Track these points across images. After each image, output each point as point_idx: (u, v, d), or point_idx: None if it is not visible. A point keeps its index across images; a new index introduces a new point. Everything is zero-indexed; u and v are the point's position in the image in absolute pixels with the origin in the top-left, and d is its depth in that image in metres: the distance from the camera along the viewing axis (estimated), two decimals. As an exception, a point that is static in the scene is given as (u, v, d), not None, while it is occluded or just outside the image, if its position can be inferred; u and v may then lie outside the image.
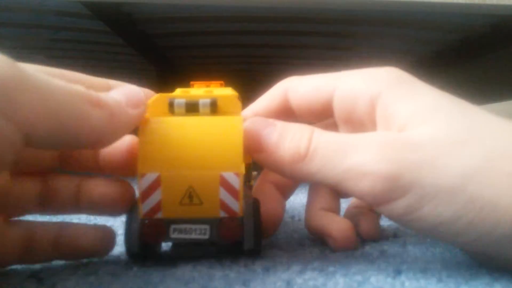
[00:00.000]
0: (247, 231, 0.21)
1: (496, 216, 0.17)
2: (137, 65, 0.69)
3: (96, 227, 0.22)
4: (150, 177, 0.20)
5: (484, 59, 0.57)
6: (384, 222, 0.30)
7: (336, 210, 0.26)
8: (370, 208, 0.28)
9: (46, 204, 0.22)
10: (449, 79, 0.69)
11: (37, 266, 0.21)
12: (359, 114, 0.22)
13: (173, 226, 0.21)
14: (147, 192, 0.20)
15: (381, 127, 0.21)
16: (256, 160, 0.21)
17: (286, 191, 0.27)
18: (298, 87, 0.23)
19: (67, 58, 0.63)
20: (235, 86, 0.24)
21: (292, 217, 0.34)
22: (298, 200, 0.41)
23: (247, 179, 0.25)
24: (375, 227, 0.27)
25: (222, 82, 0.24)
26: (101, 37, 0.52)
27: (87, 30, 0.48)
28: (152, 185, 0.20)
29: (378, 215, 0.29)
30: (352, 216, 0.28)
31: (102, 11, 0.42)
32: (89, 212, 0.23)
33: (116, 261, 0.22)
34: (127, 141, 0.22)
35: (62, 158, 0.22)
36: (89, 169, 0.22)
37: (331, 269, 0.21)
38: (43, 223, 0.22)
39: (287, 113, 0.24)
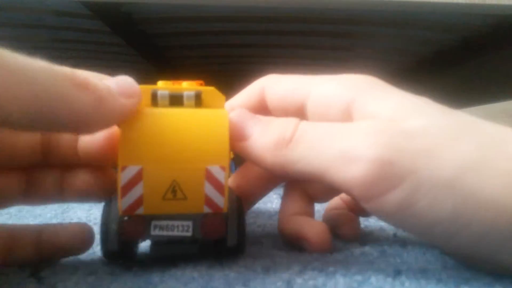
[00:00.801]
0: (231, 228, 0.21)
1: (495, 215, 0.16)
2: (137, 65, 0.69)
3: (74, 225, 0.22)
4: (132, 170, 0.19)
5: (484, 59, 0.56)
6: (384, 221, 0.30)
7: (310, 214, 0.26)
8: (349, 209, 0.28)
9: (31, 194, 0.22)
10: (449, 79, 0.69)
11: (37, 266, 0.21)
12: (332, 120, 0.21)
13: (154, 223, 0.20)
14: (128, 187, 0.19)
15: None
16: (237, 150, 0.21)
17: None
18: (275, 86, 0.23)
19: (67, 58, 0.63)
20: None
21: (292, 217, 0.34)
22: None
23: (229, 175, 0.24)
24: (356, 228, 0.27)
25: (202, 81, 0.23)
26: (101, 37, 0.52)
27: (87, 30, 0.48)
28: (134, 179, 0.19)
29: (357, 216, 0.28)
30: (331, 219, 0.28)
31: (102, 11, 0.42)
32: (74, 200, 0.23)
33: (116, 261, 0.22)
34: (107, 131, 0.21)
35: (43, 150, 0.22)
36: (68, 160, 0.22)
37: (331, 269, 0.20)
38: (23, 226, 0.22)
39: (263, 110, 0.23)
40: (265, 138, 0.20)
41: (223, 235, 0.20)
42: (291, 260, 0.22)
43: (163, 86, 0.21)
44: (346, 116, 0.20)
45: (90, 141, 0.21)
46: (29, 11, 0.43)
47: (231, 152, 0.25)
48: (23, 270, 0.21)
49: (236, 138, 0.20)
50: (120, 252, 0.20)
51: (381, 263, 0.22)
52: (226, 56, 0.66)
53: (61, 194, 0.22)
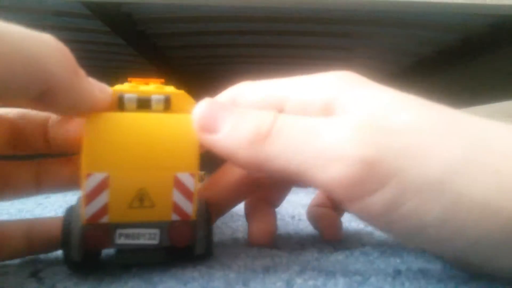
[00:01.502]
0: (200, 235, 0.20)
1: (488, 218, 0.15)
2: (137, 65, 0.69)
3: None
4: (97, 177, 0.18)
5: (484, 59, 0.56)
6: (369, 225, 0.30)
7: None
8: (331, 206, 0.27)
9: (5, 189, 0.21)
10: (449, 79, 0.69)
11: (37, 266, 0.21)
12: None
13: (119, 231, 0.19)
14: (93, 194, 0.18)
15: None
16: (207, 144, 0.19)
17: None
18: (247, 95, 0.21)
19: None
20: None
21: (292, 217, 0.34)
22: (298, 200, 0.41)
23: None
24: (337, 227, 0.26)
25: (162, 80, 0.22)
26: (101, 37, 0.52)
27: (87, 30, 0.48)
28: (99, 187, 0.18)
29: (339, 214, 0.28)
30: (312, 216, 0.28)
31: (102, 11, 0.42)
32: (51, 192, 0.23)
33: (116, 261, 0.22)
34: (76, 120, 0.21)
35: (12, 142, 0.21)
36: (39, 150, 0.22)
37: (331, 269, 0.20)
38: (12, 221, 0.22)
39: None
40: (239, 132, 0.18)
41: (191, 243, 0.20)
42: (291, 260, 0.22)
43: (130, 89, 0.20)
44: (327, 115, 0.19)
45: (60, 130, 0.21)
46: (29, 11, 0.43)
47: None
48: (23, 270, 0.21)
49: (204, 130, 0.19)
50: (83, 262, 0.19)
51: (381, 263, 0.22)
52: (226, 56, 0.66)
53: (37, 187, 0.22)
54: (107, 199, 0.18)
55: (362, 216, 0.17)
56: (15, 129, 0.21)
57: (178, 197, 0.19)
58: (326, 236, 0.26)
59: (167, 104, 0.20)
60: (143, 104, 0.20)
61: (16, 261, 0.22)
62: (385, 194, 0.15)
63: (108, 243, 0.19)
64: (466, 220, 0.15)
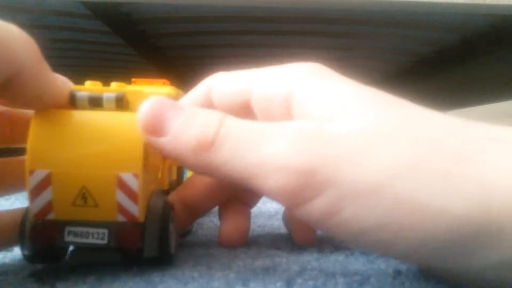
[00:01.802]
0: (149, 238, 0.20)
1: (430, 221, 0.15)
2: (137, 65, 0.69)
3: None
4: (40, 174, 0.18)
5: (484, 59, 0.57)
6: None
7: None
8: None
9: (1, 185, 0.22)
10: (449, 79, 0.69)
11: (37, 266, 0.21)
12: (276, 116, 0.19)
13: (68, 229, 0.19)
14: (36, 191, 0.18)
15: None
16: (154, 146, 0.19)
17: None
18: (220, 86, 0.22)
19: (67, 58, 0.63)
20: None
21: (292, 217, 0.34)
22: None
23: (179, 182, 0.22)
24: (308, 232, 0.25)
25: (165, 80, 0.22)
26: (101, 37, 0.52)
27: (87, 30, 0.48)
28: (42, 183, 0.18)
29: None
30: (287, 219, 0.27)
31: (102, 11, 0.42)
32: None
33: (116, 261, 0.22)
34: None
35: (2, 133, 0.21)
36: (5, 142, 0.22)
37: (331, 269, 0.21)
38: (7, 210, 0.22)
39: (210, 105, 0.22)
40: (186, 136, 0.18)
41: (139, 245, 0.19)
42: (291, 260, 0.22)
43: (84, 87, 0.20)
44: (287, 111, 0.19)
45: (26, 122, 0.21)
46: (29, 11, 0.43)
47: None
48: (23, 270, 0.21)
49: (149, 132, 0.18)
50: (37, 256, 0.19)
51: (381, 263, 0.22)
52: (226, 56, 0.66)
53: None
54: (50, 196, 0.18)
55: (305, 220, 0.17)
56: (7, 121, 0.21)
57: (122, 198, 0.19)
58: (297, 240, 0.25)
59: (119, 102, 0.19)
60: (95, 102, 0.19)
61: (16, 261, 0.22)
62: (321, 202, 0.16)
63: (57, 240, 0.19)
64: (407, 223, 0.15)
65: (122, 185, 0.19)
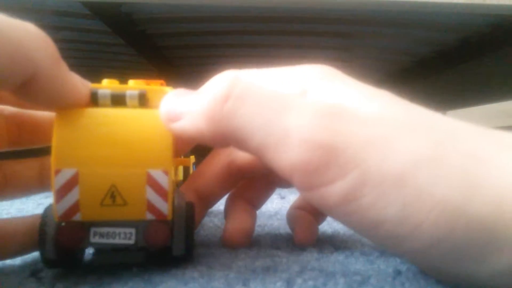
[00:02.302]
0: (177, 236, 0.19)
1: (450, 218, 0.14)
2: (137, 65, 0.69)
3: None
4: (66, 173, 0.18)
5: (484, 59, 0.56)
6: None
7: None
8: (310, 211, 0.27)
9: (9, 186, 0.21)
10: (449, 79, 0.69)
11: (37, 266, 0.21)
12: None
13: (93, 230, 0.19)
14: (63, 191, 0.18)
15: None
16: (177, 134, 0.18)
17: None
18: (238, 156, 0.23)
19: (67, 58, 0.63)
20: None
21: (292, 217, 0.34)
22: (298, 200, 0.41)
23: (176, 184, 0.23)
24: (310, 232, 0.25)
25: (162, 81, 0.22)
26: (101, 37, 0.52)
27: (87, 30, 0.48)
28: (69, 183, 0.18)
29: (317, 219, 0.27)
30: (290, 219, 0.28)
31: (102, 11, 0.42)
32: None
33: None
34: (48, 113, 0.21)
35: (9, 136, 0.21)
36: (38, 142, 0.22)
37: (331, 269, 0.21)
38: (16, 218, 0.22)
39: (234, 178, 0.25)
40: (199, 103, 0.17)
41: (168, 244, 0.19)
42: (291, 260, 0.22)
43: (105, 85, 0.20)
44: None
45: (34, 125, 0.21)
46: (29, 11, 0.43)
47: (192, 156, 0.24)
48: (23, 270, 0.21)
49: (170, 121, 0.18)
50: (59, 260, 0.19)
51: (381, 263, 0.22)
52: (226, 56, 0.66)
53: (41, 184, 0.22)
54: (77, 196, 0.18)
55: (319, 205, 0.16)
56: (9, 121, 0.21)
57: (151, 195, 0.18)
58: (297, 239, 0.25)
59: (142, 100, 0.19)
60: (118, 99, 0.19)
61: (16, 261, 0.22)
62: (343, 185, 0.15)
63: (83, 242, 0.19)
64: (426, 218, 0.15)
65: (152, 182, 0.18)
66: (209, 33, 0.52)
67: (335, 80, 0.19)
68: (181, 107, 0.18)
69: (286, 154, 0.15)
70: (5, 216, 0.33)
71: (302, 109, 0.16)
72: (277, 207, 0.38)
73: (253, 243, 0.26)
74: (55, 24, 0.47)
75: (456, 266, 0.15)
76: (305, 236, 0.25)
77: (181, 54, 0.63)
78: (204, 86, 0.18)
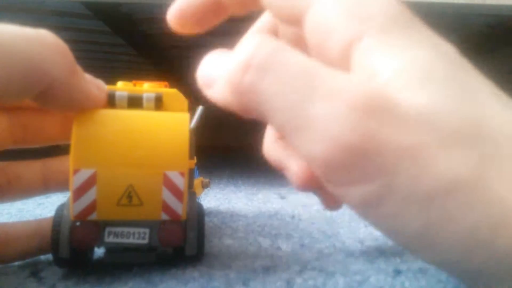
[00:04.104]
0: (190, 236, 0.20)
1: (468, 248, 0.13)
2: (137, 65, 0.69)
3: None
4: (85, 173, 0.18)
5: (484, 59, 0.56)
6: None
7: None
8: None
9: (13, 188, 0.21)
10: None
11: (37, 266, 0.21)
12: (330, 55, 0.16)
13: (108, 229, 0.19)
14: (81, 190, 0.18)
15: (358, 75, 0.15)
16: (216, 100, 0.16)
17: None
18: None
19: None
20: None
21: (292, 217, 0.34)
22: (298, 200, 0.41)
23: (190, 185, 0.23)
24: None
25: (166, 83, 0.22)
26: (101, 37, 0.52)
27: (87, 30, 0.48)
28: (87, 183, 0.18)
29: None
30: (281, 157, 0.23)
31: (102, 11, 0.42)
32: (59, 190, 0.22)
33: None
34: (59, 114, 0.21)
35: (12, 137, 0.21)
36: (42, 142, 0.22)
37: (330, 269, 0.21)
38: (21, 222, 0.22)
39: (253, 2, 0.19)
40: (225, 70, 0.15)
41: (181, 244, 0.20)
42: (291, 260, 0.22)
43: (122, 87, 0.20)
44: (345, 57, 0.15)
45: (38, 124, 0.21)
46: (29, 11, 0.43)
47: (195, 158, 0.24)
48: (23, 270, 0.21)
49: (205, 87, 0.16)
50: (72, 259, 0.19)
51: (381, 263, 0.22)
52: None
53: (45, 185, 0.22)
54: (95, 195, 0.18)
55: (339, 198, 0.15)
56: (13, 123, 0.21)
57: (167, 196, 0.19)
58: (326, 204, 0.22)
59: (158, 103, 0.20)
60: (134, 102, 0.19)
61: (16, 261, 0.22)
62: (366, 189, 0.13)
63: (98, 241, 0.19)
64: (446, 242, 0.13)
65: (169, 183, 0.19)
66: (209, 33, 0.52)
67: (398, 33, 0.15)
68: (213, 72, 0.16)
69: (308, 145, 0.14)
70: (5, 216, 0.34)
71: (333, 96, 0.13)
72: (277, 207, 0.38)
73: (253, 243, 0.26)
74: (55, 24, 0.47)
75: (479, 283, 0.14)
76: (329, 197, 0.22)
77: (181, 54, 0.63)
78: (238, 45, 0.15)
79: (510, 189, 0.13)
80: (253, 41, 0.14)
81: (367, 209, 0.14)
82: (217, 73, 0.16)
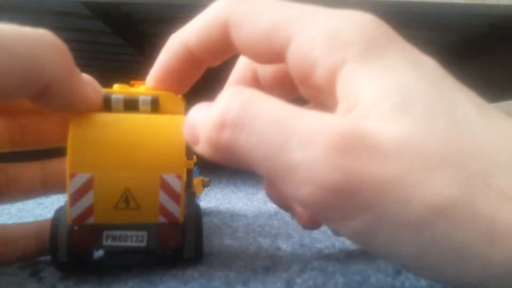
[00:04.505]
0: (188, 239, 0.20)
1: (463, 265, 0.13)
2: (137, 65, 0.69)
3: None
4: (81, 178, 0.18)
5: (484, 59, 0.56)
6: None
7: None
8: None
9: (11, 190, 0.21)
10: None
11: (37, 266, 0.21)
12: (316, 83, 0.16)
13: (106, 233, 0.19)
14: (78, 195, 0.18)
15: (341, 106, 0.15)
16: (205, 156, 0.16)
17: None
18: (243, 25, 0.17)
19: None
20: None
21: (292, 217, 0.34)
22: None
23: (189, 185, 0.23)
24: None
25: None
26: (101, 37, 0.52)
27: (87, 30, 0.48)
28: (83, 187, 0.18)
29: None
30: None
31: (102, 11, 0.42)
32: (57, 192, 0.23)
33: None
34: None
35: (10, 138, 0.21)
36: (41, 144, 0.22)
37: (331, 269, 0.21)
38: (21, 223, 0.22)
39: (228, 50, 0.18)
40: (204, 128, 0.15)
41: (179, 246, 0.20)
42: (291, 260, 0.22)
43: (118, 90, 0.20)
44: (331, 85, 0.15)
45: (36, 126, 0.21)
46: (29, 11, 0.43)
47: (194, 156, 0.24)
48: (23, 270, 0.21)
49: (192, 143, 0.17)
50: (71, 263, 0.19)
51: (381, 263, 0.22)
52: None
53: (44, 187, 0.22)
54: (92, 199, 0.18)
55: (333, 232, 0.16)
56: (12, 124, 0.21)
57: (164, 199, 0.19)
58: (304, 224, 0.22)
59: (154, 105, 0.19)
60: (130, 104, 0.19)
61: (16, 261, 0.22)
62: (355, 224, 0.14)
63: (96, 245, 0.19)
64: (442, 261, 0.14)
65: (165, 186, 0.19)
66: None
67: (381, 55, 0.15)
68: (196, 129, 0.16)
69: (293, 190, 0.14)
70: (5, 216, 0.34)
71: (309, 140, 0.13)
72: (277, 207, 0.38)
73: (253, 243, 0.26)
74: (55, 24, 0.47)
75: None
76: (308, 217, 0.22)
77: (181, 54, 0.63)
78: (217, 98, 0.16)
79: (499, 203, 0.13)
80: (225, 95, 0.15)
81: (361, 241, 0.14)
82: (199, 131, 0.16)
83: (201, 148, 0.16)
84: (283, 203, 0.22)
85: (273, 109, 0.14)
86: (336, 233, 0.15)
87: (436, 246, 0.13)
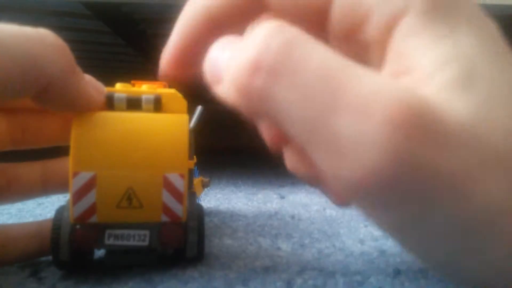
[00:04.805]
0: (191, 238, 0.20)
1: (505, 274, 0.12)
2: (137, 65, 0.69)
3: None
4: (84, 176, 0.18)
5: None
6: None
7: None
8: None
9: (12, 190, 0.21)
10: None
11: (37, 266, 0.21)
12: (366, 37, 0.13)
13: (108, 232, 0.19)
14: (80, 193, 0.18)
15: (389, 67, 0.13)
16: (223, 98, 0.14)
17: None
18: None
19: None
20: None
21: (292, 217, 0.34)
22: (298, 200, 0.41)
23: (189, 185, 0.23)
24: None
25: (165, 83, 0.22)
26: (101, 37, 0.52)
27: (87, 30, 0.48)
28: (86, 186, 0.18)
29: None
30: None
31: (102, 11, 0.42)
32: (58, 191, 0.23)
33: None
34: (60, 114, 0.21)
35: (12, 138, 0.21)
36: (40, 143, 0.22)
37: (331, 269, 0.21)
38: (22, 223, 0.22)
39: (259, 9, 0.15)
40: (232, 67, 0.12)
41: (182, 245, 0.20)
42: (291, 260, 0.22)
43: (120, 89, 0.20)
44: (382, 41, 0.13)
45: (37, 125, 0.21)
46: (29, 11, 0.43)
47: (194, 157, 0.24)
48: (23, 270, 0.21)
49: (212, 83, 0.14)
50: (73, 261, 0.19)
51: (381, 263, 0.22)
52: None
53: (44, 187, 0.22)
54: (94, 198, 0.18)
55: (364, 216, 0.13)
56: (12, 123, 0.21)
57: (167, 198, 0.19)
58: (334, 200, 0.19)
59: (157, 104, 0.19)
60: (133, 104, 0.19)
61: (16, 261, 0.22)
62: (399, 215, 0.12)
63: (98, 244, 0.19)
64: (479, 271, 0.12)
65: (168, 186, 0.19)
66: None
67: (443, 14, 0.13)
68: (221, 65, 0.13)
69: (332, 167, 0.11)
70: (5, 216, 0.34)
71: (361, 108, 0.11)
72: (277, 207, 0.38)
73: (253, 243, 0.26)
74: (55, 24, 0.47)
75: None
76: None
77: (181, 54, 0.63)
78: (248, 33, 0.13)
79: None
80: (262, 31, 0.12)
81: (396, 231, 0.13)
82: (225, 68, 0.13)
83: (224, 91, 0.13)
84: (312, 177, 0.18)
85: (323, 58, 0.11)
86: (366, 216, 0.13)
87: (475, 253, 0.12)
